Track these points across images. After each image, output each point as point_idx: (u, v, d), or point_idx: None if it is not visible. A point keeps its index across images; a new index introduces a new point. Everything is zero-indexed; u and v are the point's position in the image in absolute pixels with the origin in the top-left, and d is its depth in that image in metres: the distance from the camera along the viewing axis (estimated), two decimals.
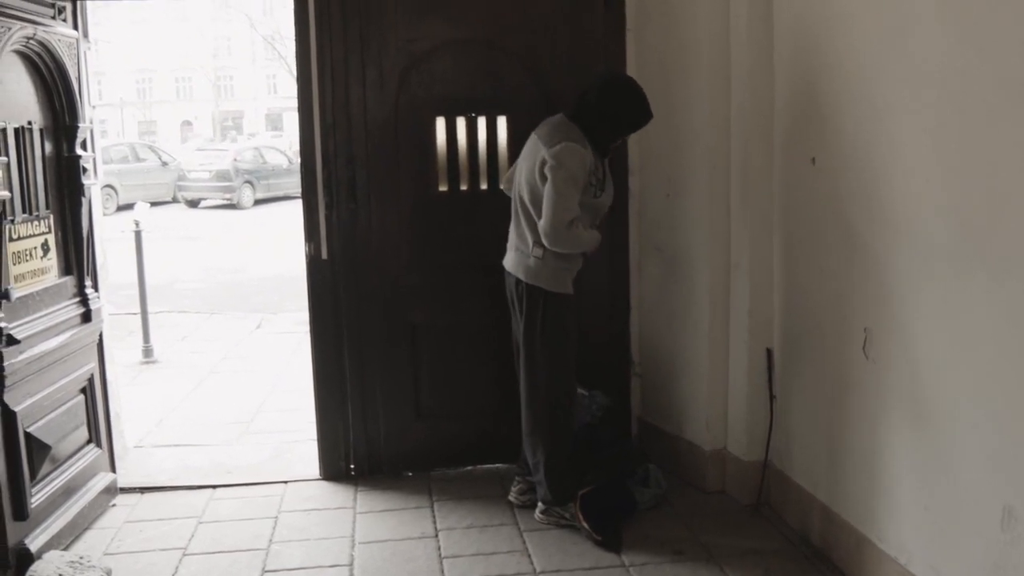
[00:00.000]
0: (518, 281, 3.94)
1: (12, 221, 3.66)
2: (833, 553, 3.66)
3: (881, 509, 3.32)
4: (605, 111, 3.83)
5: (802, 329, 3.90)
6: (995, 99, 2.63)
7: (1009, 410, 2.66)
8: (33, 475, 3.73)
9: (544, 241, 3.78)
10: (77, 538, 4.01)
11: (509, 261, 4.02)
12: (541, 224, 3.77)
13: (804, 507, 3.88)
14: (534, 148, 3.86)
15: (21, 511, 3.61)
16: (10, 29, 3.58)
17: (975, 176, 2.74)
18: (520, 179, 3.93)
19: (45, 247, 3.94)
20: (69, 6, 4.15)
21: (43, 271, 3.93)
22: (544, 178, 3.76)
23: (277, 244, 14.44)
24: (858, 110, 3.35)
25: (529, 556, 3.81)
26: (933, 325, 2.99)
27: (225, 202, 22.04)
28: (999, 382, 2.70)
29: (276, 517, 4.24)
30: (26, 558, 3.58)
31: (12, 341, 3.55)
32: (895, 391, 3.22)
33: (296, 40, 4.40)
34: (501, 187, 4.33)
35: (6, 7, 3.55)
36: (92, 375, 4.28)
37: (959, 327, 2.85)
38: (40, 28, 3.82)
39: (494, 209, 4.34)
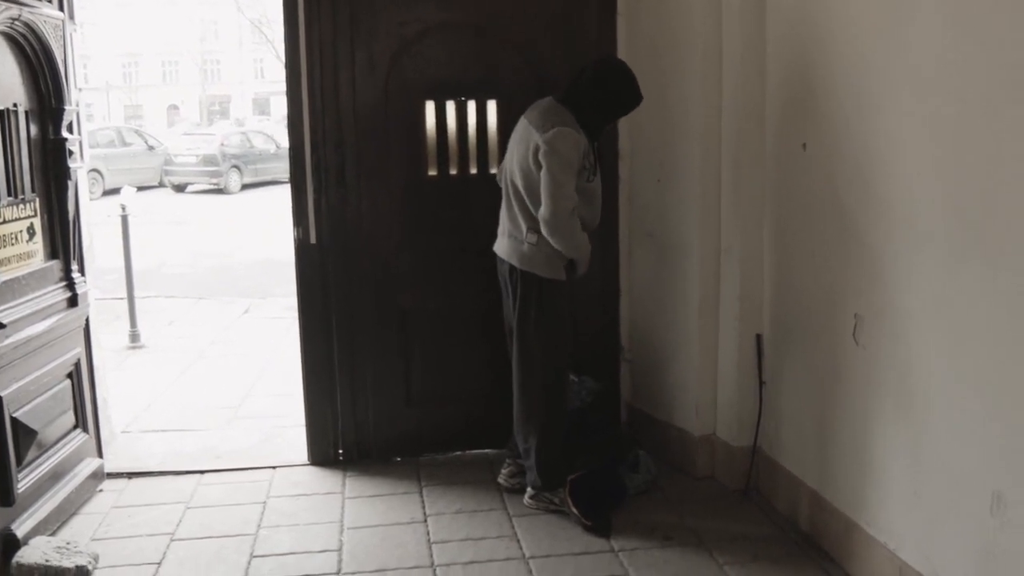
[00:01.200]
0: (512, 268, 3.92)
1: None
2: (822, 538, 3.67)
3: (871, 495, 3.33)
4: (596, 94, 3.81)
5: (792, 315, 3.89)
6: (992, 87, 2.62)
7: (1000, 397, 2.66)
8: (19, 460, 3.71)
9: (544, 230, 3.76)
10: (64, 524, 3.99)
11: (501, 247, 4.00)
12: (541, 213, 3.75)
13: (793, 493, 3.89)
14: (526, 133, 3.84)
15: (7, 497, 3.60)
16: None
17: (971, 164, 2.73)
18: (512, 165, 3.90)
19: (31, 231, 3.91)
20: None
21: (29, 255, 3.89)
22: (539, 164, 3.73)
23: (265, 229, 14.38)
24: (852, 97, 3.34)
25: (518, 541, 3.81)
26: (925, 312, 2.99)
27: (212, 187, 21.93)
28: (990, 369, 2.70)
29: (265, 502, 4.23)
30: (12, 544, 3.56)
31: None
32: (885, 377, 3.22)
33: (285, 23, 4.36)
34: (495, 174, 4.31)
35: None
36: (79, 360, 4.25)
37: (951, 314, 2.85)
38: (25, 9, 3.77)
39: (484, 193, 4.33)
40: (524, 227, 3.86)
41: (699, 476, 4.36)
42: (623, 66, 3.91)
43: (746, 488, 4.17)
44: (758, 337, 4.11)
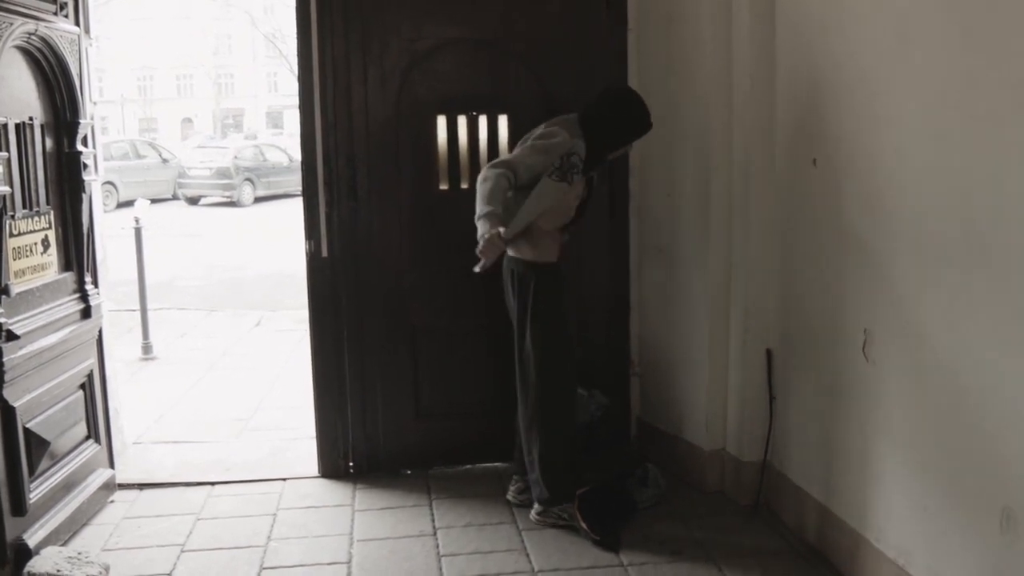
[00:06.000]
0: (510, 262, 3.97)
1: (12, 217, 3.65)
2: (831, 554, 3.66)
3: (879, 510, 3.32)
4: (606, 114, 3.88)
5: (802, 330, 3.89)
6: (999, 101, 2.63)
7: (1009, 412, 2.65)
8: (32, 471, 3.73)
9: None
10: (75, 534, 4.01)
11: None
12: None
13: (802, 508, 3.88)
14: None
15: (19, 506, 3.61)
16: (12, 24, 3.58)
17: (979, 177, 2.74)
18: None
19: (45, 243, 3.94)
20: (71, 2, 4.14)
21: (43, 267, 3.93)
22: None
23: (276, 242, 14.43)
24: (861, 112, 3.35)
25: (527, 555, 3.81)
26: (934, 326, 2.99)
27: (225, 200, 22.04)
28: (999, 384, 2.69)
29: (275, 514, 4.25)
30: (24, 553, 3.58)
31: (12, 337, 3.54)
32: (895, 392, 3.22)
33: (298, 38, 4.40)
34: None
35: (8, 2, 3.54)
36: (91, 371, 4.28)
37: (961, 329, 2.85)
38: (42, 24, 3.82)
39: None
40: None
41: (708, 491, 4.35)
42: (632, 92, 3.99)
43: (755, 503, 4.16)
44: (768, 352, 4.11)
